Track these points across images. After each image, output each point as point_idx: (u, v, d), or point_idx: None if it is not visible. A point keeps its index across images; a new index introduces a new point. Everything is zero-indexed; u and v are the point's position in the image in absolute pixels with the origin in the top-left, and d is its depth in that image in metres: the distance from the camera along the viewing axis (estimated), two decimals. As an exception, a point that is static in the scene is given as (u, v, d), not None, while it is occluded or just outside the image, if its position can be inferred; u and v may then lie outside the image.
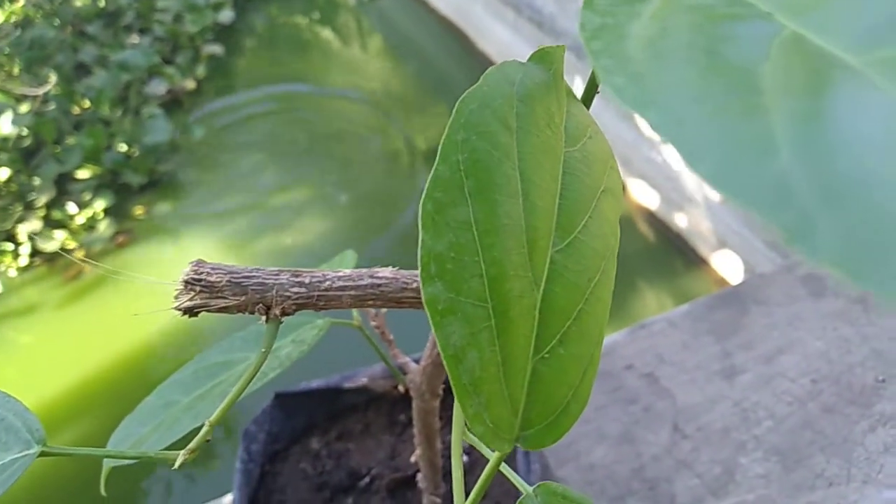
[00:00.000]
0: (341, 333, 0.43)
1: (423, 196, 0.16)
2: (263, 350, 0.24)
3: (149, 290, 2.07)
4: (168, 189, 2.47)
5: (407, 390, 0.41)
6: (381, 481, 0.56)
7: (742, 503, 0.70)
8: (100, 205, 2.37)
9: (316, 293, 0.25)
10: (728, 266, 1.63)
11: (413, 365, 0.39)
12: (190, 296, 0.24)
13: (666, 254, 1.90)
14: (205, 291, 0.24)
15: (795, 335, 0.88)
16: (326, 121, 2.78)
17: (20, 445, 0.21)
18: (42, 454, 0.21)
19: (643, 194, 1.94)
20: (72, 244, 2.27)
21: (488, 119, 0.17)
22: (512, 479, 0.21)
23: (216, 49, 3.19)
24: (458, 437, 0.20)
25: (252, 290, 0.24)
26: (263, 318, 0.25)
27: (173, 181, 2.50)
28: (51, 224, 2.32)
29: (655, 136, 1.70)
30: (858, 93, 0.10)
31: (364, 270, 0.25)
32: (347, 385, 0.62)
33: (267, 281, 0.25)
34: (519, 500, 0.20)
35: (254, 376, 0.24)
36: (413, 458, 0.46)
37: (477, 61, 2.80)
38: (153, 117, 2.67)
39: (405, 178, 2.40)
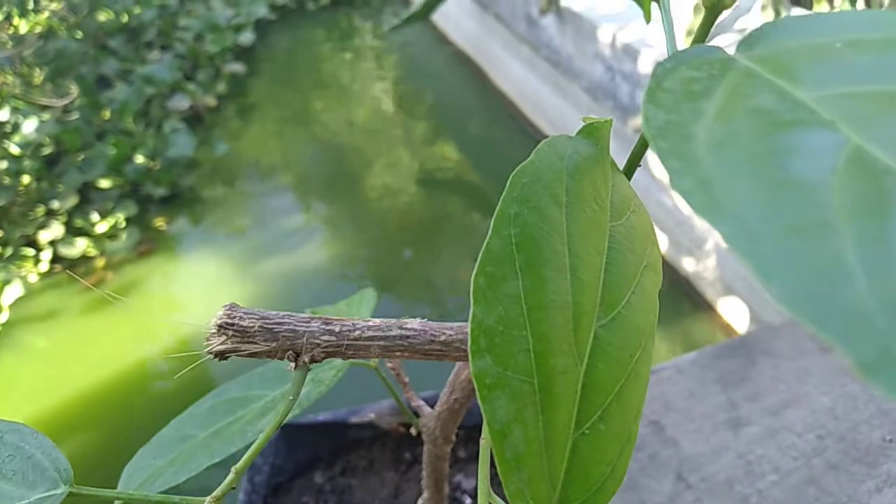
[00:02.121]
0: (354, 371, 0.43)
1: (476, 269, 0.16)
2: (291, 398, 0.24)
3: (165, 305, 2.08)
4: (190, 203, 2.50)
5: (419, 433, 0.41)
6: (384, 520, 0.56)
7: (746, 560, 0.70)
8: (122, 214, 2.40)
9: (346, 342, 0.25)
10: (734, 313, 1.63)
11: (427, 409, 0.39)
12: (222, 339, 0.24)
13: (672, 298, 1.90)
14: (237, 336, 0.24)
15: (802, 389, 0.88)
16: (333, 151, 2.80)
17: (47, 484, 0.21)
18: (70, 495, 0.21)
19: (652, 236, 1.94)
20: (93, 252, 2.29)
21: (540, 193, 0.17)
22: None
23: (237, 67, 3.24)
24: (484, 500, 0.20)
25: (283, 336, 0.24)
26: (292, 364, 0.25)
27: (195, 195, 2.53)
28: (73, 231, 2.35)
29: (666, 180, 1.70)
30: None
31: (393, 321, 0.26)
32: (354, 420, 0.61)
33: (298, 328, 0.25)
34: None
35: (281, 423, 0.24)
36: (420, 502, 0.45)
37: (492, 95, 2.83)
38: (176, 131, 2.72)
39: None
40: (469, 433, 0.60)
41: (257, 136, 2.92)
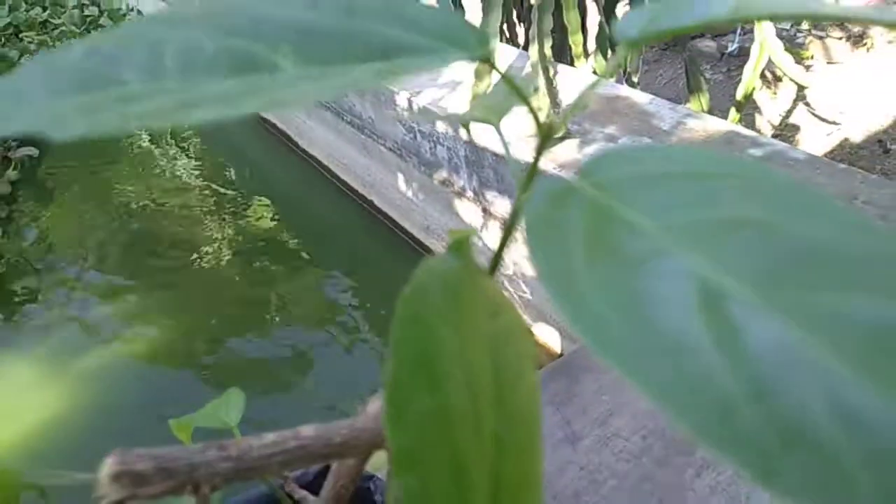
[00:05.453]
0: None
1: (385, 399, 0.18)
2: (198, 533, 0.24)
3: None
4: (-1, 298, 2.25)
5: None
6: None
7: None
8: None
9: (244, 465, 0.25)
10: (549, 334, 1.75)
11: (312, 498, 0.40)
12: (115, 488, 0.24)
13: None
14: (132, 483, 0.24)
15: (623, 397, 0.97)
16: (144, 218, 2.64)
17: None
18: None
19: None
20: None
21: (428, 313, 0.19)
22: None
23: (30, 151, 2.97)
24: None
25: (181, 472, 0.24)
26: (193, 498, 0.25)
27: (3, 288, 2.28)
28: None
29: (473, 223, 1.81)
30: (779, 337, 0.13)
31: (287, 433, 0.26)
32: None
33: (195, 460, 0.25)
34: None
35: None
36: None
37: (302, 160, 2.81)
38: (-27, 222, 2.43)
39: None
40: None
41: (61, 218, 2.69)
